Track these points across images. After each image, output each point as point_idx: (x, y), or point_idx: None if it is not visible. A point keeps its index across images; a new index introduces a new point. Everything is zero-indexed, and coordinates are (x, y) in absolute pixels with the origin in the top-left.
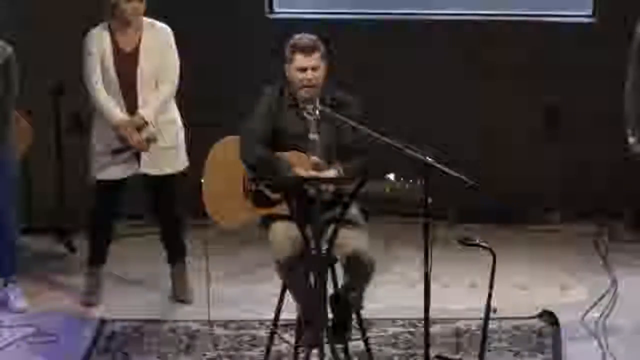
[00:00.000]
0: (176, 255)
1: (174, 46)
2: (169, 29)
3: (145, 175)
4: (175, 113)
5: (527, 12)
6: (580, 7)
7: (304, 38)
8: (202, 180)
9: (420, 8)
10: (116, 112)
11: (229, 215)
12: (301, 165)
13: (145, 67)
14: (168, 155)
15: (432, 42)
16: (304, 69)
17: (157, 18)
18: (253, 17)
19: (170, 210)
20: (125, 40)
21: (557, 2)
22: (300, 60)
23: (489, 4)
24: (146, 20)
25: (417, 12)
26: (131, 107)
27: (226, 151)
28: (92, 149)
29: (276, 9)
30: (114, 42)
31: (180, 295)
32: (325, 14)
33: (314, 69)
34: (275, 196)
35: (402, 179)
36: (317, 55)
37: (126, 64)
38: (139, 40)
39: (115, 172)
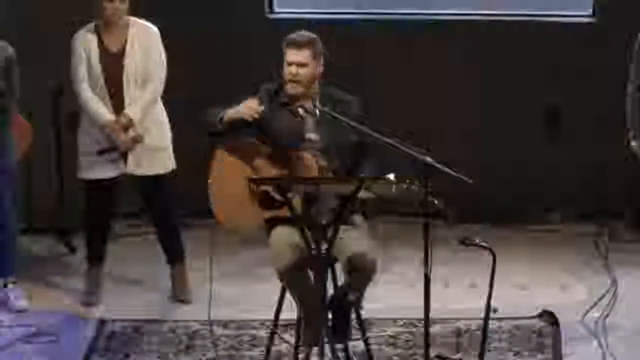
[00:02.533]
0: (175, 256)
1: (160, 46)
2: (155, 29)
3: (133, 176)
4: (162, 113)
5: (527, 12)
6: (580, 7)
7: (298, 34)
8: (209, 181)
9: (420, 8)
10: (103, 111)
11: (236, 217)
12: (308, 170)
13: (131, 67)
14: (155, 155)
15: (431, 42)
16: (290, 64)
17: (157, 18)
18: (253, 17)
19: (164, 211)
20: (112, 41)
21: (557, 2)
22: (288, 54)
23: (489, 4)
24: (133, 20)
25: (417, 12)
26: (118, 107)
27: (234, 151)
28: (81, 148)
29: (276, 9)
30: (101, 43)
31: (180, 295)
32: (325, 14)
33: (300, 65)
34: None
35: (407, 182)
36: (306, 52)
37: (112, 64)
38: (125, 40)
39: (102, 172)
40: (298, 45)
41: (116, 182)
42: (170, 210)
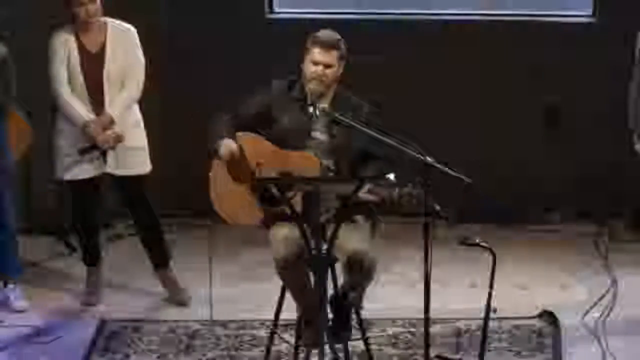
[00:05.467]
0: (162, 259)
1: (139, 46)
2: (133, 29)
3: (113, 177)
4: (139, 115)
5: (527, 12)
6: (580, 7)
7: (328, 34)
8: (210, 174)
9: (420, 8)
10: (83, 111)
11: (236, 212)
12: (305, 167)
13: (111, 67)
14: (135, 156)
15: (432, 42)
16: (317, 63)
17: (156, 18)
18: (253, 17)
19: (149, 213)
20: (90, 42)
21: (557, 2)
22: (316, 53)
23: (489, 4)
24: (110, 20)
25: (417, 12)
26: (98, 107)
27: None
28: (58, 149)
29: (276, 9)
30: (79, 44)
31: (175, 296)
32: (325, 14)
33: (327, 66)
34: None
35: (409, 185)
36: (334, 53)
37: (93, 65)
38: (104, 40)
39: (82, 171)
40: (327, 46)
41: (98, 181)
42: (154, 212)
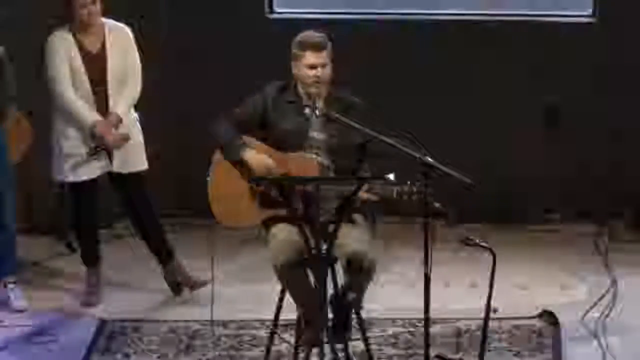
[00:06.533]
0: (167, 253)
1: (134, 46)
2: (129, 29)
3: (113, 176)
4: (135, 113)
5: (527, 12)
6: (580, 7)
7: (314, 35)
8: (208, 178)
9: (420, 8)
10: (89, 112)
11: (235, 215)
12: (306, 169)
13: (114, 67)
14: (136, 153)
15: (432, 42)
16: (314, 66)
17: (157, 18)
18: (253, 17)
19: (150, 208)
20: (90, 42)
21: (557, 2)
22: (310, 57)
23: (489, 4)
24: (107, 21)
25: (417, 12)
26: (102, 107)
27: None
28: (59, 151)
29: (276, 9)
30: (79, 44)
31: (188, 283)
32: (325, 14)
33: (323, 66)
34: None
35: (409, 183)
36: (326, 52)
37: (95, 65)
38: (103, 41)
39: (87, 172)
40: (318, 48)
41: (97, 182)
42: (153, 208)
